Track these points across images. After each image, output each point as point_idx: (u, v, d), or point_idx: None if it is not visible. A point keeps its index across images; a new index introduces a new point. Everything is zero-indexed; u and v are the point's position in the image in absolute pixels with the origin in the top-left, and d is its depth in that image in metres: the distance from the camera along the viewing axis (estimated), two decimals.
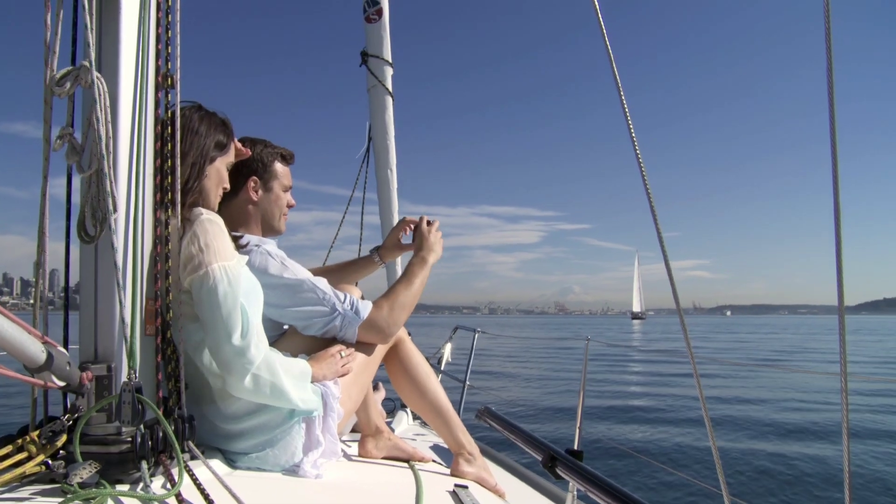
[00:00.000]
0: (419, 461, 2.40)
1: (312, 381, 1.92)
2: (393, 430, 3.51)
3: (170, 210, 1.64)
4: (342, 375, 2.07)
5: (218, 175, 1.94)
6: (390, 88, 4.32)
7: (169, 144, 1.64)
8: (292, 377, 1.79)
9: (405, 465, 2.31)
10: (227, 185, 2.01)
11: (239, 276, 1.68)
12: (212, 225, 1.71)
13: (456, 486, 2.08)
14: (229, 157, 2.00)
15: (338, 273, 2.86)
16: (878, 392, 14.83)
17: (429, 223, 2.55)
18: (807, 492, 7.15)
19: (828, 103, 1.15)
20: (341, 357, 2.07)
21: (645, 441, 9.79)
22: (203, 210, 1.76)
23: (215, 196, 1.95)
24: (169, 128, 1.65)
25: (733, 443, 9.61)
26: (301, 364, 1.90)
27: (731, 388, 16.29)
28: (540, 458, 2.60)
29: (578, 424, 3.24)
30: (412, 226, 2.62)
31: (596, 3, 1.58)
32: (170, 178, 1.64)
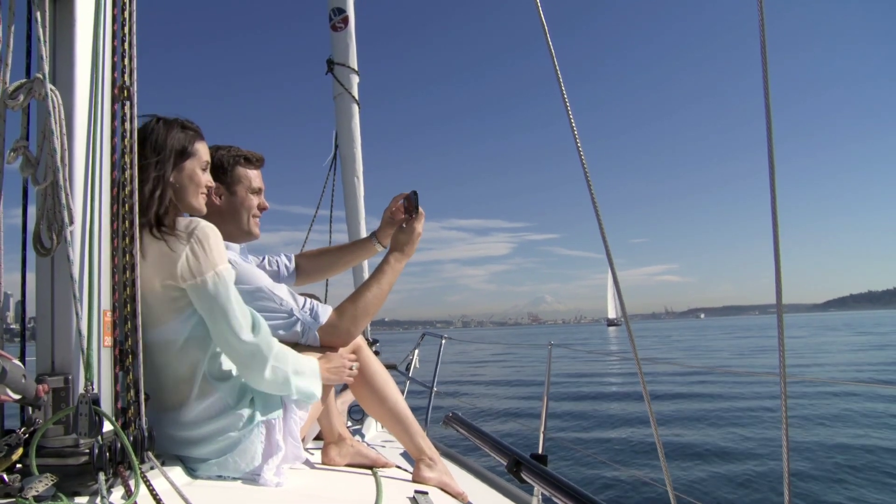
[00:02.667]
0: (382, 468, 2.41)
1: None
2: (363, 437, 3.52)
3: (127, 221, 1.64)
4: (346, 381, 2.21)
5: (191, 179, 1.97)
6: (356, 96, 4.34)
7: (126, 156, 1.64)
8: (302, 372, 1.93)
9: (368, 472, 2.32)
10: (211, 184, 2.06)
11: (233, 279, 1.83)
12: (212, 231, 1.81)
13: (416, 492, 2.10)
14: (200, 158, 2.01)
15: (335, 255, 2.87)
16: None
17: (414, 206, 2.46)
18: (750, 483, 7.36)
19: (763, 106, 1.19)
20: (348, 364, 2.21)
21: (607, 444, 9.94)
22: (199, 219, 1.84)
23: (196, 199, 1.99)
24: (126, 139, 1.65)
25: (688, 441, 9.81)
26: (312, 362, 2.02)
27: (690, 389, 16.49)
28: (505, 463, 2.62)
29: (542, 429, 3.27)
30: (402, 201, 2.56)
31: (542, 16, 1.62)
32: (128, 188, 1.64)
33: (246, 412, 1.81)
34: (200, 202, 2.01)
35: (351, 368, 2.22)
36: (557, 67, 1.56)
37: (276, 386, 1.85)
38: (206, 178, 2.03)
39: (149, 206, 1.82)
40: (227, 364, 1.86)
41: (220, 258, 1.79)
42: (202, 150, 2.03)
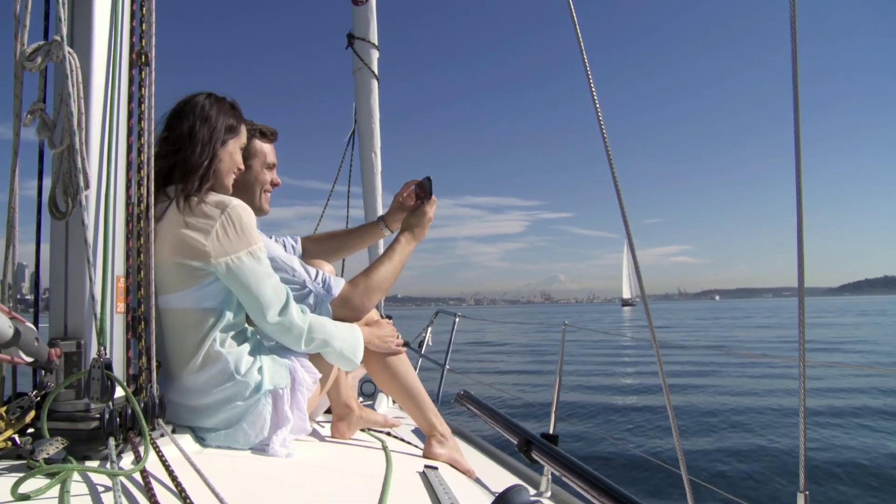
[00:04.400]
0: (392, 427, 2.43)
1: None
2: None
3: (143, 187, 1.63)
4: (391, 354, 2.33)
5: (231, 158, 2.01)
6: (376, 71, 4.31)
7: (143, 122, 1.63)
8: (343, 338, 2.06)
9: (378, 446, 2.32)
10: (242, 167, 2.09)
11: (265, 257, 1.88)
12: (245, 210, 1.83)
13: (426, 467, 2.10)
14: (241, 140, 2.06)
15: (343, 238, 2.86)
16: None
17: (427, 192, 2.47)
18: (763, 474, 7.28)
19: (791, 86, 1.16)
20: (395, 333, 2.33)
21: (620, 425, 9.92)
22: (232, 198, 1.85)
23: (229, 179, 2.03)
24: (144, 104, 1.64)
25: (706, 427, 9.75)
26: (355, 328, 2.14)
27: (710, 375, 16.24)
28: (516, 442, 2.62)
29: (554, 409, 3.25)
30: (413, 187, 2.54)
31: None
32: (144, 154, 1.63)
33: (252, 381, 1.81)
34: (230, 182, 2.04)
35: (398, 336, 2.35)
36: (582, 43, 1.53)
37: (315, 352, 2.01)
38: (240, 160, 2.07)
39: (193, 172, 1.85)
40: (235, 333, 1.86)
41: (253, 238, 1.82)
42: (244, 132, 2.08)
